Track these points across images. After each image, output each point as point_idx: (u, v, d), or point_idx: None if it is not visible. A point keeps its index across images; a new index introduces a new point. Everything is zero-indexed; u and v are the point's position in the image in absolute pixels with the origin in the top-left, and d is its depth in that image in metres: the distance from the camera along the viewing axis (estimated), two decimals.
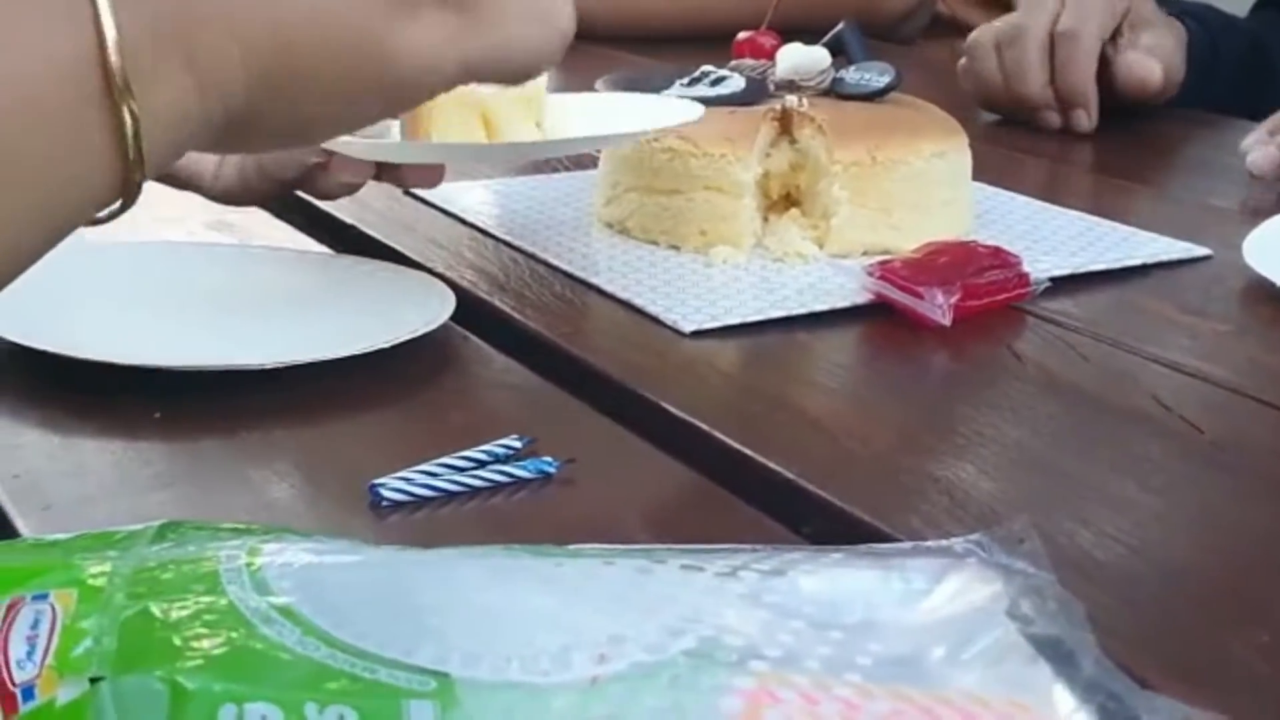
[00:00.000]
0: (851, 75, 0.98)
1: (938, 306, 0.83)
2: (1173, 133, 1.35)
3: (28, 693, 0.40)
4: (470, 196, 1.05)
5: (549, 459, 0.66)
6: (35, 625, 0.41)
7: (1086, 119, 1.28)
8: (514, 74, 0.53)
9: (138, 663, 0.40)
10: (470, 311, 0.83)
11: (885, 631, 0.46)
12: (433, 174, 0.89)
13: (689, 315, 0.83)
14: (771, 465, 0.67)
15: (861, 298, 0.85)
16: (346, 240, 0.98)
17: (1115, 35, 1.29)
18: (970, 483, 0.67)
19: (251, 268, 0.89)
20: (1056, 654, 0.47)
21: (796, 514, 0.64)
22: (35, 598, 0.42)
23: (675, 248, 0.93)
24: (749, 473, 0.68)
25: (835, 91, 0.98)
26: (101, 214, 0.48)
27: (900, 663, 0.45)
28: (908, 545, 0.54)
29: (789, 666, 0.44)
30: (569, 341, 0.81)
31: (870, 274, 0.85)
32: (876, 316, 0.85)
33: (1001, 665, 0.45)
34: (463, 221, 1.00)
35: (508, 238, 0.96)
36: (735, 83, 0.97)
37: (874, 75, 0.98)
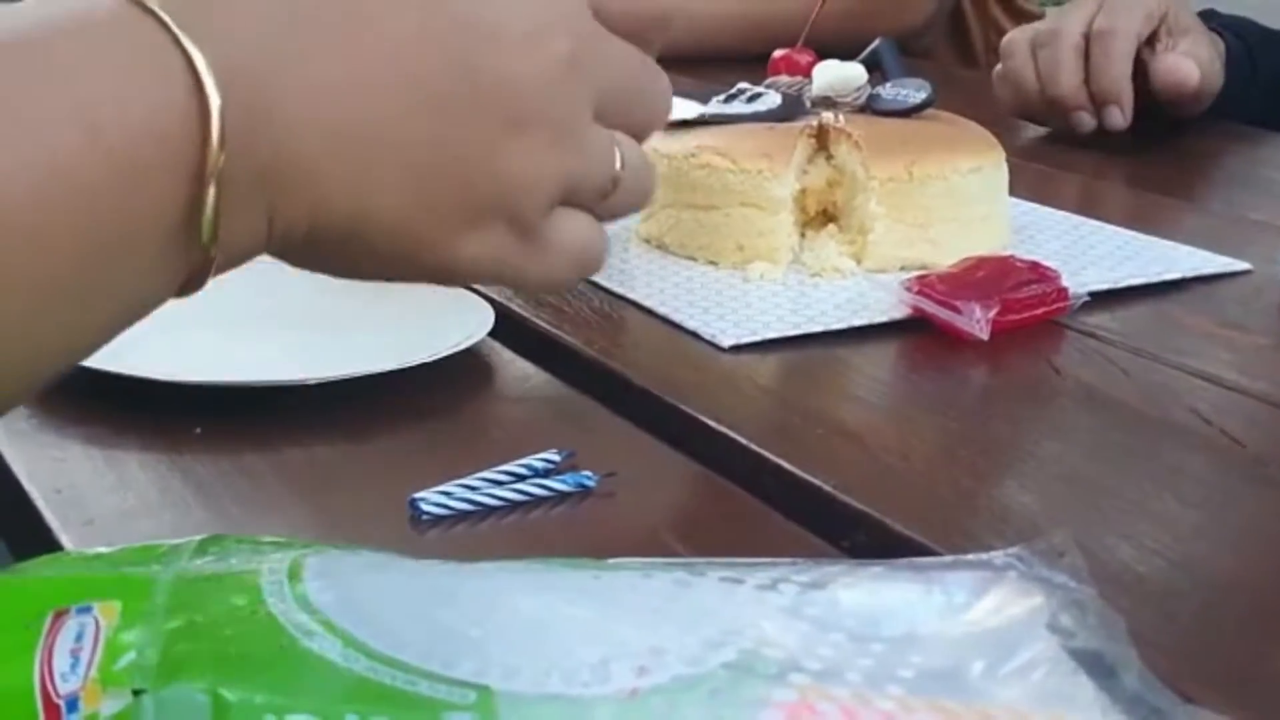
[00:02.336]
0: (888, 91, 0.98)
1: (976, 321, 0.83)
2: (1210, 147, 1.34)
3: (72, 705, 0.40)
4: None
5: (588, 473, 0.66)
6: (79, 638, 0.42)
7: (1120, 116, 1.27)
8: (532, 292, 0.61)
9: (180, 675, 0.40)
10: (508, 327, 0.83)
11: (926, 645, 0.46)
12: None
13: (727, 330, 0.83)
14: (811, 479, 0.67)
15: (899, 313, 0.85)
16: None
17: (1152, 40, 1.29)
18: (1010, 497, 0.67)
19: (291, 285, 0.89)
20: (1098, 668, 0.46)
21: (836, 528, 0.64)
22: (79, 610, 0.43)
23: (713, 263, 0.93)
24: (788, 486, 0.67)
25: (871, 108, 0.98)
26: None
27: (941, 676, 0.45)
28: (948, 559, 0.54)
29: (829, 680, 0.44)
30: (607, 356, 0.81)
31: (908, 289, 0.85)
32: (914, 331, 0.85)
33: (1043, 679, 0.45)
34: None
35: None
36: (771, 99, 0.98)
37: (910, 91, 0.98)
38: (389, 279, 0.55)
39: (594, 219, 0.57)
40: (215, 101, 0.45)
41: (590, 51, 0.55)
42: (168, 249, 0.47)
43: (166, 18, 0.45)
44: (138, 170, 0.45)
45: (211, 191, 0.46)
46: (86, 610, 0.42)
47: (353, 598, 0.44)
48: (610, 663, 0.42)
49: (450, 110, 0.51)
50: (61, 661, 0.41)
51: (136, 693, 0.40)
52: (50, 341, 0.46)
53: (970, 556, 0.53)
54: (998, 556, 0.52)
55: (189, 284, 0.48)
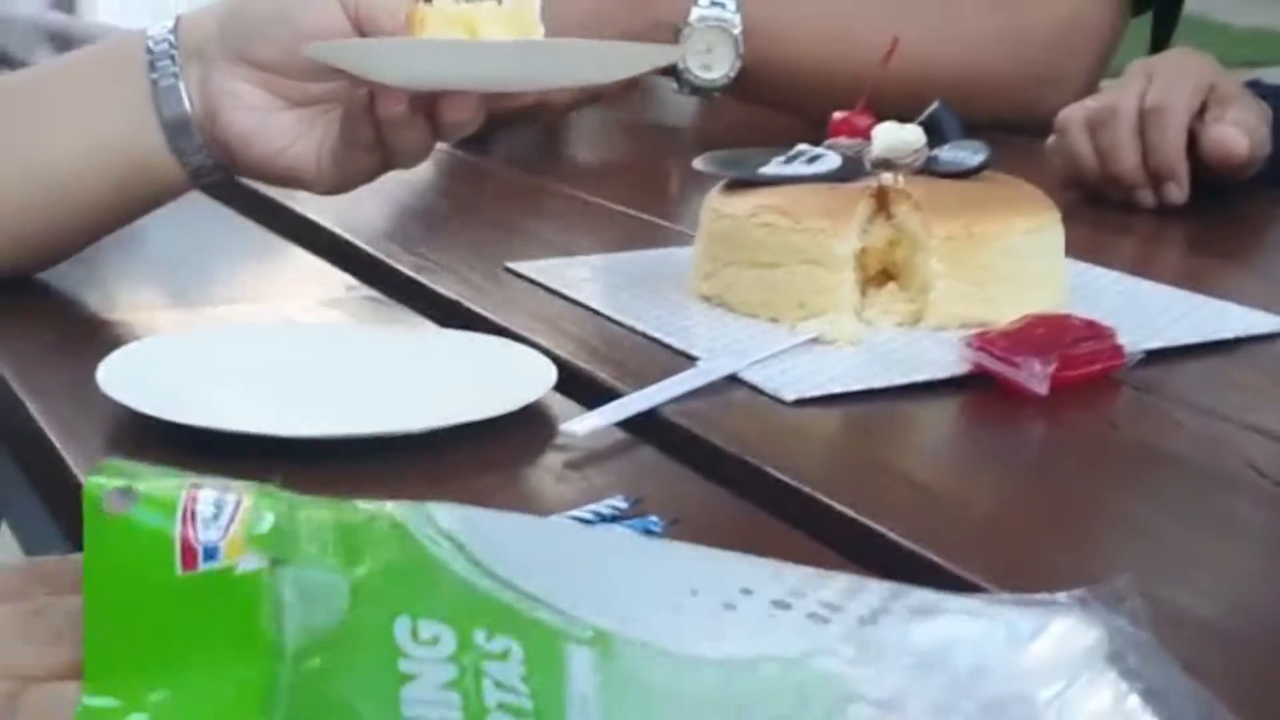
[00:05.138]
0: (946, 153, 1.00)
1: (1035, 376, 0.84)
2: (1263, 211, 1.35)
3: (210, 552, 0.40)
4: (570, 273, 1.07)
5: (654, 518, 0.67)
6: (220, 502, 0.42)
7: (1178, 192, 1.29)
8: None
9: (321, 557, 0.41)
10: (572, 382, 0.85)
11: (991, 675, 0.47)
12: (466, 106, 0.93)
13: (789, 384, 0.84)
14: (876, 527, 0.68)
15: (960, 369, 0.86)
16: (452, 316, 1.00)
17: (1201, 111, 1.31)
18: (1072, 546, 0.68)
19: (362, 342, 0.91)
20: (1161, 702, 0.47)
21: (902, 574, 0.64)
22: (214, 486, 0.43)
23: (774, 320, 0.95)
24: (853, 533, 0.68)
25: (930, 169, 0.99)
26: None
27: (1005, 708, 0.46)
28: (1009, 597, 0.55)
29: (892, 709, 0.45)
30: (669, 408, 0.83)
31: (969, 345, 0.86)
32: (975, 387, 0.86)
33: (1107, 710, 0.46)
34: (563, 297, 1.02)
35: (608, 311, 0.98)
36: (831, 160, 0.99)
37: (968, 153, 0.99)
38: None
39: None
40: None
41: None
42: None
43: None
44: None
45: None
46: (224, 488, 0.43)
47: (479, 527, 0.45)
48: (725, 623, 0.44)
49: None
50: (205, 510, 0.41)
51: (276, 561, 0.40)
52: None
53: (1032, 595, 0.54)
54: (1060, 596, 0.53)
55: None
